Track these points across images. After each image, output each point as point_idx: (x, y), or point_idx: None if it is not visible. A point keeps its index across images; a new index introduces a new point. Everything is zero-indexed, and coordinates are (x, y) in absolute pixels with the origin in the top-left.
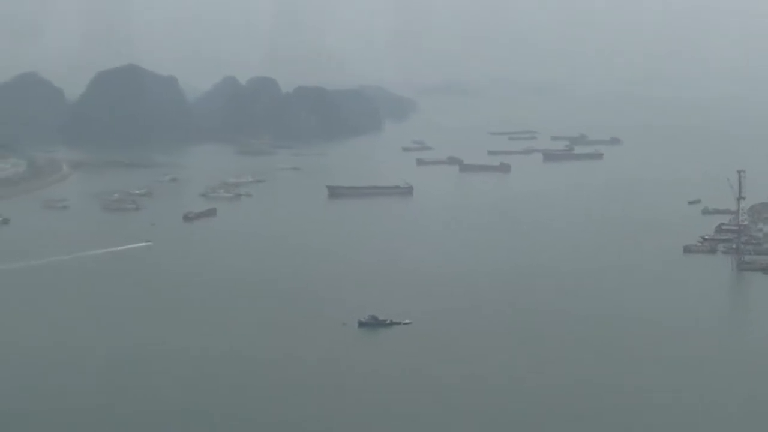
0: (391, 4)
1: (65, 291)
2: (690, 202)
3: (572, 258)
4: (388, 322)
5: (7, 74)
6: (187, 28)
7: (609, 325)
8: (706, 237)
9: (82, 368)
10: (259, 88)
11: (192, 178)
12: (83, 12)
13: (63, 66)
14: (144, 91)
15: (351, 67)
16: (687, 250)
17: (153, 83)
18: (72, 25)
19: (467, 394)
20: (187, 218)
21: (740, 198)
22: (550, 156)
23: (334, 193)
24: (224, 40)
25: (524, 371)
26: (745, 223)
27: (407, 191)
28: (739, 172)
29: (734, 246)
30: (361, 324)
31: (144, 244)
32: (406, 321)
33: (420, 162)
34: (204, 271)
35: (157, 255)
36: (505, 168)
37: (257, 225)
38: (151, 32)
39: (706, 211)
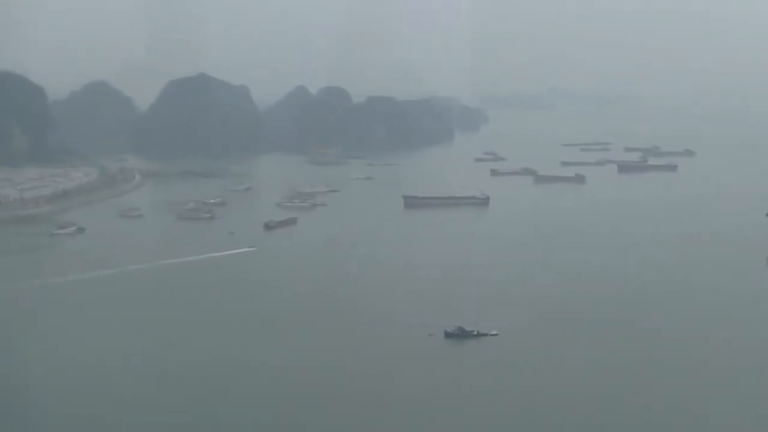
0: (460, 16)
1: (148, 299)
2: None
3: (653, 271)
4: (475, 333)
5: (77, 83)
6: (256, 38)
7: (696, 343)
8: None
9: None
10: (330, 97)
11: (265, 188)
12: (152, 21)
13: (133, 75)
14: (215, 100)
15: (421, 77)
16: None
17: (224, 92)
18: (141, 34)
19: (556, 409)
20: (268, 227)
21: None
22: (624, 167)
23: (410, 203)
24: (294, 51)
25: (613, 389)
26: None
27: (483, 202)
28: None
29: None
30: (448, 335)
31: (248, 249)
32: (494, 332)
33: (494, 173)
34: (289, 281)
35: (248, 264)
36: (580, 179)
37: (337, 234)
38: (221, 42)
39: None
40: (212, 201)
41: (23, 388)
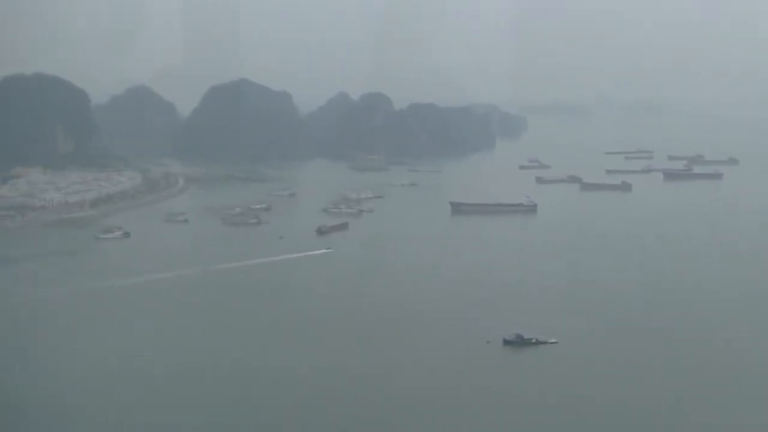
0: (500, 24)
1: (209, 304)
2: None
3: (706, 280)
4: (533, 341)
5: (119, 87)
6: (298, 44)
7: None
8: None
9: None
10: (371, 103)
11: (308, 193)
12: (193, 26)
13: (174, 80)
14: (257, 105)
15: (461, 84)
16: None
17: (266, 98)
18: (182, 40)
19: (615, 418)
20: (321, 232)
21: None
22: (669, 175)
23: (457, 209)
24: (336, 57)
25: (671, 401)
26: None
27: (531, 209)
28: None
29: None
30: (507, 342)
31: (325, 250)
32: (552, 340)
33: (539, 180)
34: (351, 288)
35: (311, 268)
36: (626, 187)
37: (389, 240)
38: (262, 47)
39: None
40: (258, 206)
41: (76, 389)
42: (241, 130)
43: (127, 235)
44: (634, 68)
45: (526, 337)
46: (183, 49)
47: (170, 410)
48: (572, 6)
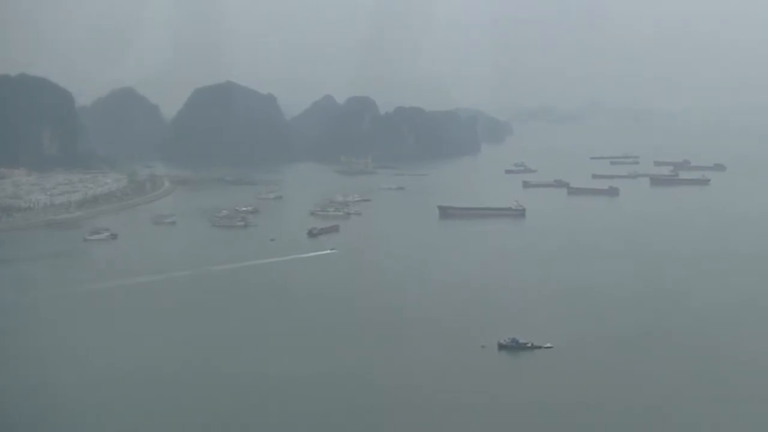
0: (486, 29)
1: (202, 307)
2: None
3: (696, 284)
4: (529, 345)
5: (103, 90)
6: (283, 48)
7: (749, 359)
8: None
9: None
10: (357, 107)
11: (294, 196)
12: (178, 29)
13: (158, 83)
14: (242, 108)
15: (446, 89)
16: None
17: (251, 100)
18: (166, 42)
19: (609, 421)
20: (312, 234)
21: None
22: (657, 180)
23: (445, 213)
24: (321, 60)
25: (665, 404)
26: None
27: (519, 213)
28: None
29: None
30: (502, 346)
31: (329, 251)
32: (548, 345)
33: (526, 184)
34: (340, 294)
35: (300, 272)
36: (613, 191)
37: (380, 244)
38: (247, 50)
39: None
40: (244, 209)
41: (61, 393)
42: (226, 133)
43: (114, 236)
44: (627, 76)
45: (521, 341)
46: (168, 52)
47: (157, 417)
48: (566, 14)
